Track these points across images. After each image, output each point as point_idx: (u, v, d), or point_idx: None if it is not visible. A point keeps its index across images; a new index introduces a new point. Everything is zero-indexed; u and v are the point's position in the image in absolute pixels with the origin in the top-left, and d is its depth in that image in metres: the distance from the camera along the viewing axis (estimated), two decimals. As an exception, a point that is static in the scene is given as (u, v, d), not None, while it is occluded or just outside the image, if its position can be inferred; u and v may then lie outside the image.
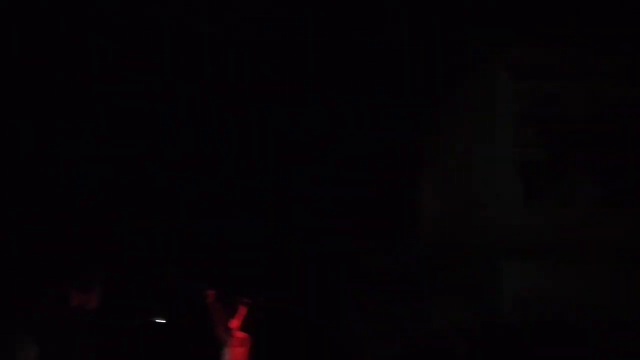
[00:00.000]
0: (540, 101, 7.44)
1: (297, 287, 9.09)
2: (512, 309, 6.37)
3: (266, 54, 7.71)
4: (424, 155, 9.34)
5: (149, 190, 9.03)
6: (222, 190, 9.31)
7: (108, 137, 8.48)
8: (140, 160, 8.85)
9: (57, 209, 8.18)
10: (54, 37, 6.98)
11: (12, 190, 7.94)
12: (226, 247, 9.12)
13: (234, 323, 6.76)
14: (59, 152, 8.36)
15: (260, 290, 7.65)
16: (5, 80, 7.31)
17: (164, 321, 8.54)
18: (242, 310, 6.83)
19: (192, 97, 8.26)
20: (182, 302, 8.14)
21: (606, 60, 7.33)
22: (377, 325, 8.18)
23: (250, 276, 8.69)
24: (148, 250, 8.75)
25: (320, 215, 9.40)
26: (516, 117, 7.24)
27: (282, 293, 8.73)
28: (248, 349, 6.75)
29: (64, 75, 7.52)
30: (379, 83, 8.31)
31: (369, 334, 8.11)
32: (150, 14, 6.74)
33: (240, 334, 6.76)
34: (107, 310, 5.67)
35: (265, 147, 9.15)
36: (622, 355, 5.78)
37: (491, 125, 7.24)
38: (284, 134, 9.08)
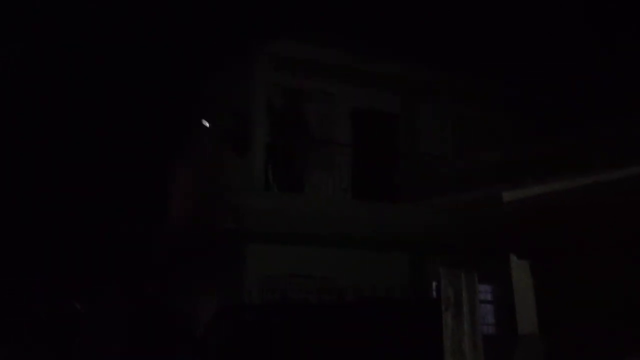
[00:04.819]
0: (294, 95, 7.78)
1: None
2: (257, 290, 6.52)
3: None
4: (179, 142, 9.27)
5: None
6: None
7: None
8: None
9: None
10: None
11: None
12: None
13: None
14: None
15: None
16: None
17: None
18: None
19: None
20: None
21: (369, 67, 7.86)
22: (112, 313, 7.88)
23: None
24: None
25: (69, 198, 9.00)
26: (270, 108, 7.49)
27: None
28: None
29: None
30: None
31: (102, 322, 7.77)
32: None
33: None
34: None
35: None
36: (364, 328, 6.20)
37: (246, 114, 7.40)
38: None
